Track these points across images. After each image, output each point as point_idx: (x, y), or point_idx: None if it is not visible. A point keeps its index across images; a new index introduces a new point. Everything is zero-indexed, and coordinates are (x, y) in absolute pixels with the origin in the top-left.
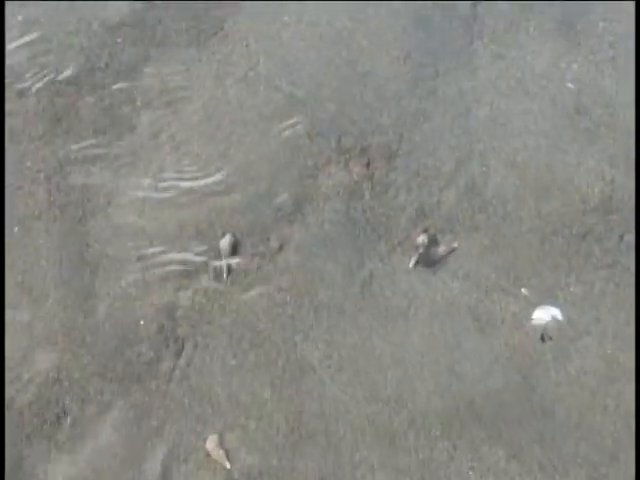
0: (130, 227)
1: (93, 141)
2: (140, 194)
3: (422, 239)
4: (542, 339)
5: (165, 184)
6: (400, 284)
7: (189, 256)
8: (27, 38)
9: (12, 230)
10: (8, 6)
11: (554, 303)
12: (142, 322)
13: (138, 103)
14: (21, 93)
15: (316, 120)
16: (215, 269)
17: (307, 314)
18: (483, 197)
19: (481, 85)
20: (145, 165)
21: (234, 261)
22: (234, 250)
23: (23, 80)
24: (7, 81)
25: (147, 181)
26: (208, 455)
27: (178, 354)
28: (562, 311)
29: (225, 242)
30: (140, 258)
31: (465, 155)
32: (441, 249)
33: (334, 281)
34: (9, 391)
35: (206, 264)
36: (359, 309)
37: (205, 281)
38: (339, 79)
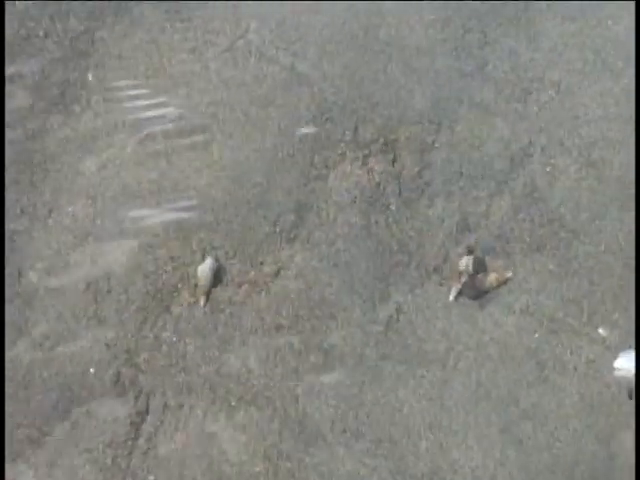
0: (78, 246)
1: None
2: (85, 211)
3: (466, 262)
4: (630, 396)
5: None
6: (437, 321)
7: (158, 283)
8: None
9: None
10: None
11: None
12: (92, 370)
13: (89, 79)
14: None
15: (325, 103)
16: (190, 301)
17: (314, 361)
18: (547, 205)
19: (544, 57)
20: (93, 173)
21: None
22: (216, 277)
23: None
24: None
25: (89, 201)
26: None
27: (142, 414)
28: None
29: (205, 268)
30: (89, 285)
31: (523, 149)
32: (491, 276)
33: (350, 318)
34: None
35: (179, 294)
36: (383, 354)
37: (177, 313)
38: (356, 49)
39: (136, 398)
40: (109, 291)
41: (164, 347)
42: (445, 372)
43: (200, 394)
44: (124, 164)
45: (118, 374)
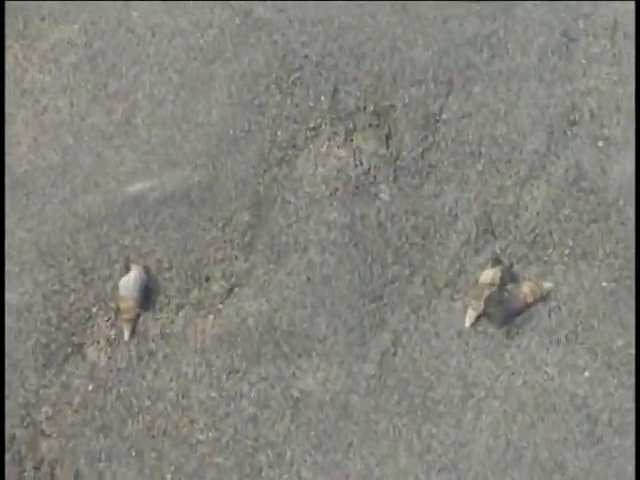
0: None
1: None
2: None
3: (489, 276)
4: None
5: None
6: (449, 357)
7: (63, 308)
8: None
9: None
10: None
11: None
12: None
13: None
14: None
15: (293, 57)
16: (108, 334)
17: (279, 417)
18: (599, 196)
19: None
20: None
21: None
22: (144, 297)
23: None
24: None
25: None
26: None
27: None
28: None
29: (129, 282)
30: None
31: (567, 121)
32: (525, 287)
33: (330, 354)
34: None
35: (94, 324)
36: (375, 405)
37: (92, 352)
38: None
39: (36, 470)
40: None
41: (76, 399)
42: (461, 430)
43: (124, 462)
44: None
45: (11, 439)
